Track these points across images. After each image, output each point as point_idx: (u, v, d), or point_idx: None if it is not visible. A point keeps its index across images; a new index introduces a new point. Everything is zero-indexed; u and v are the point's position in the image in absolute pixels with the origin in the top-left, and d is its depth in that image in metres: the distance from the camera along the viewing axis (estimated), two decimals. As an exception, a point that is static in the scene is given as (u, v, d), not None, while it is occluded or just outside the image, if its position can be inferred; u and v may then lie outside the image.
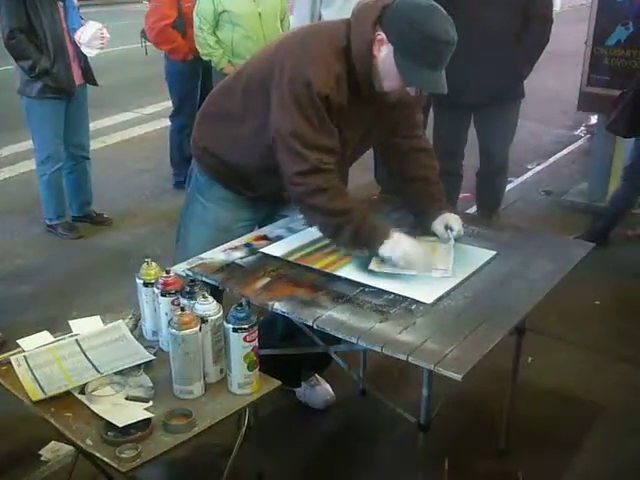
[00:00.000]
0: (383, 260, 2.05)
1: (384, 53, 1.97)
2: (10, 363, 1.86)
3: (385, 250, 2.04)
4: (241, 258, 2.16)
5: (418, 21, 1.92)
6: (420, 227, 2.30)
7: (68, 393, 1.76)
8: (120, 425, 1.62)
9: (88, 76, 4.21)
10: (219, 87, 2.39)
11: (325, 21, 2.18)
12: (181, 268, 2.08)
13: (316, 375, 2.77)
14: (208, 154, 2.34)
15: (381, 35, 1.96)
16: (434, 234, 2.25)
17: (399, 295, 1.93)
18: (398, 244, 2.04)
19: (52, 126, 4.11)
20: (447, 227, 2.22)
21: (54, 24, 3.91)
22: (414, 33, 1.91)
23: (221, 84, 2.39)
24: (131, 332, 1.99)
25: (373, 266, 2.04)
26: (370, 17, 1.98)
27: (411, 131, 2.34)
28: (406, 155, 2.34)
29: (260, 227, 2.42)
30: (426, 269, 2.04)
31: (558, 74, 7.51)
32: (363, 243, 2.09)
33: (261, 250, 2.19)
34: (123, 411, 1.68)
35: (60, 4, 3.96)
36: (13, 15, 3.82)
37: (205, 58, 4.45)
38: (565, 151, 6.22)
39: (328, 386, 2.78)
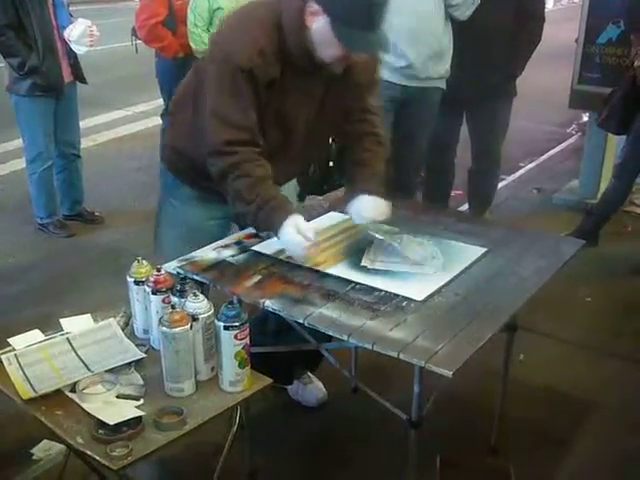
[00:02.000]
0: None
1: (319, 24, 1.94)
2: (0, 361, 1.85)
3: (279, 238, 2.06)
4: (232, 256, 2.15)
5: None
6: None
7: (59, 391, 1.75)
8: (111, 423, 1.61)
9: (77, 74, 4.20)
10: (181, 83, 2.34)
11: (260, 0, 2.15)
12: (172, 266, 2.07)
13: (308, 373, 2.78)
14: (172, 152, 2.33)
15: (312, 7, 1.93)
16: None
17: (390, 292, 1.93)
18: (285, 235, 2.03)
19: (41, 124, 4.09)
20: (358, 212, 2.18)
21: (43, 21, 3.90)
22: None
23: (183, 80, 2.34)
24: (122, 330, 1.99)
25: (365, 262, 2.04)
26: None
27: (362, 114, 2.31)
28: (355, 140, 2.31)
29: (237, 223, 2.40)
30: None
31: (550, 72, 7.52)
32: (261, 229, 2.14)
33: (252, 248, 2.19)
34: (114, 409, 1.68)
35: (49, 1, 3.94)
36: (2, 12, 3.81)
37: (199, 56, 4.41)
38: (557, 149, 6.25)
39: (320, 384, 2.78)
